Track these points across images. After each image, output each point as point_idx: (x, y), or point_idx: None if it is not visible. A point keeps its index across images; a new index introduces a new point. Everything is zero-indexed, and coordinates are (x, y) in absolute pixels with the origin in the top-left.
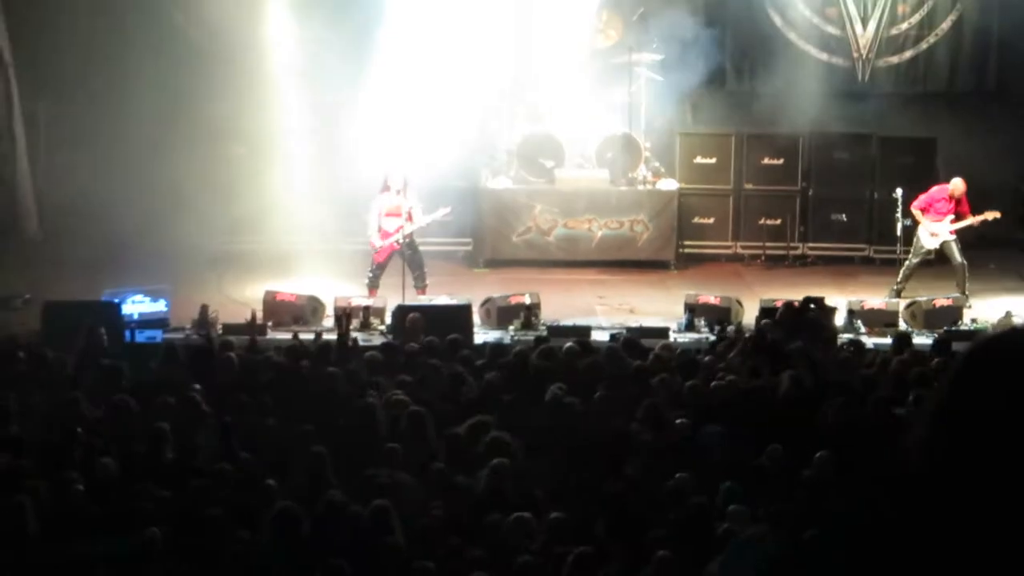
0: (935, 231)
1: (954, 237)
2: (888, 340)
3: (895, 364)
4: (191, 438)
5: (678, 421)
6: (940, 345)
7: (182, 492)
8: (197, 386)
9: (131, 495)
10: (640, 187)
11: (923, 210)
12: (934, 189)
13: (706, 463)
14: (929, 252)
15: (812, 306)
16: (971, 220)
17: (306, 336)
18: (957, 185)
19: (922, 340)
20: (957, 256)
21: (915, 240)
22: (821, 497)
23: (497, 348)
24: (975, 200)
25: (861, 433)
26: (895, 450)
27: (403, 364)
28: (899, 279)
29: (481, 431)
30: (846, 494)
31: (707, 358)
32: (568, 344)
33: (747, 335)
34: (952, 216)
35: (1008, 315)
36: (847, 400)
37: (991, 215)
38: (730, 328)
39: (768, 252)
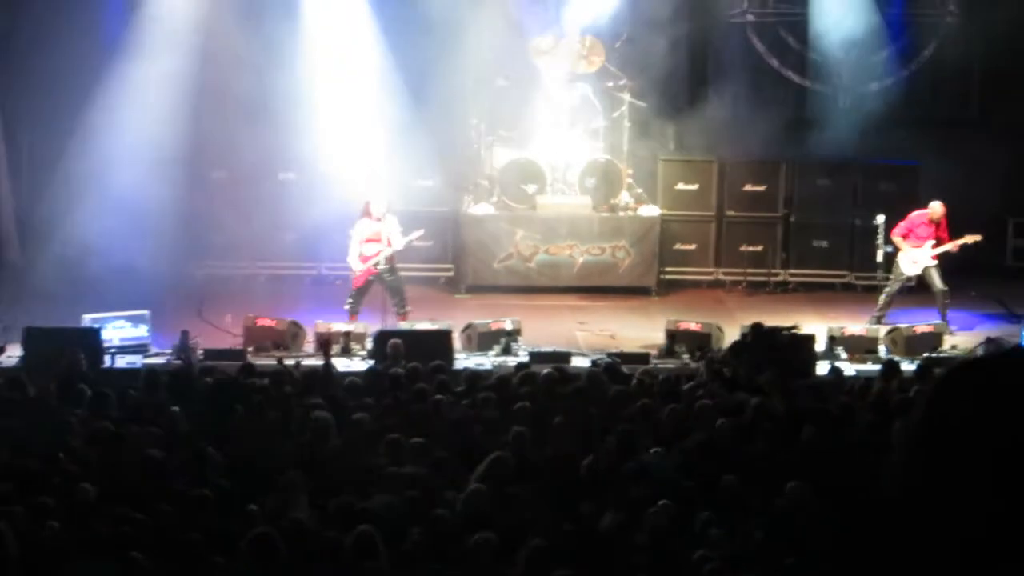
0: (916, 258)
1: (935, 263)
2: (869, 367)
3: (877, 391)
4: (170, 463)
5: (652, 450)
6: (925, 371)
7: (160, 517)
8: (175, 409)
9: (111, 520)
10: (622, 213)
11: (904, 236)
12: (913, 214)
13: (680, 490)
14: (909, 279)
15: (784, 332)
16: (951, 245)
17: (288, 362)
18: (936, 208)
19: (903, 367)
20: (938, 283)
21: (895, 266)
22: (795, 526)
23: (474, 375)
24: (959, 227)
25: (838, 460)
26: (876, 477)
27: (387, 389)
28: (880, 306)
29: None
30: (824, 522)
31: (689, 384)
32: (546, 370)
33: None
34: (933, 242)
35: (990, 340)
36: (822, 427)
37: (971, 238)
38: (710, 354)
39: (749, 278)
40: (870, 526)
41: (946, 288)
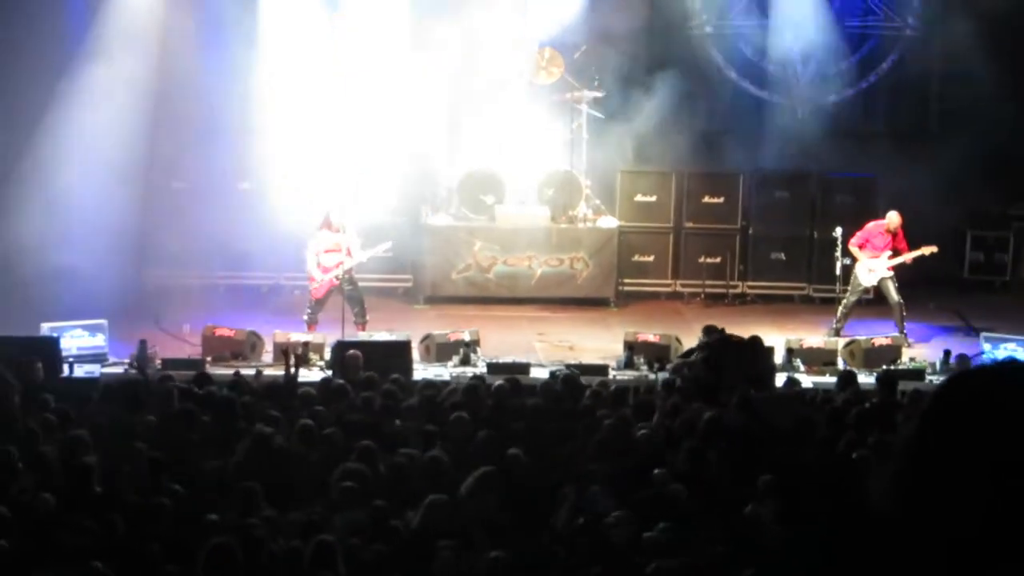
0: (872, 267)
1: (891, 274)
2: (828, 379)
3: (838, 403)
4: (124, 473)
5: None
6: (884, 384)
7: (119, 527)
8: (133, 419)
9: (71, 530)
10: (580, 225)
11: (861, 246)
12: (870, 225)
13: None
14: (867, 290)
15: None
16: (908, 256)
17: (246, 371)
18: (892, 218)
19: (861, 379)
20: (894, 295)
21: (852, 277)
22: (754, 537)
23: (429, 385)
24: (916, 240)
25: (801, 473)
26: (854, 491)
27: (343, 399)
28: (837, 317)
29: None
30: (788, 533)
31: (645, 396)
32: (498, 382)
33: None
34: (890, 252)
35: (956, 355)
36: (786, 440)
37: (928, 249)
38: (669, 366)
39: (708, 290)
40: (845, 539)
41: (902, 301)
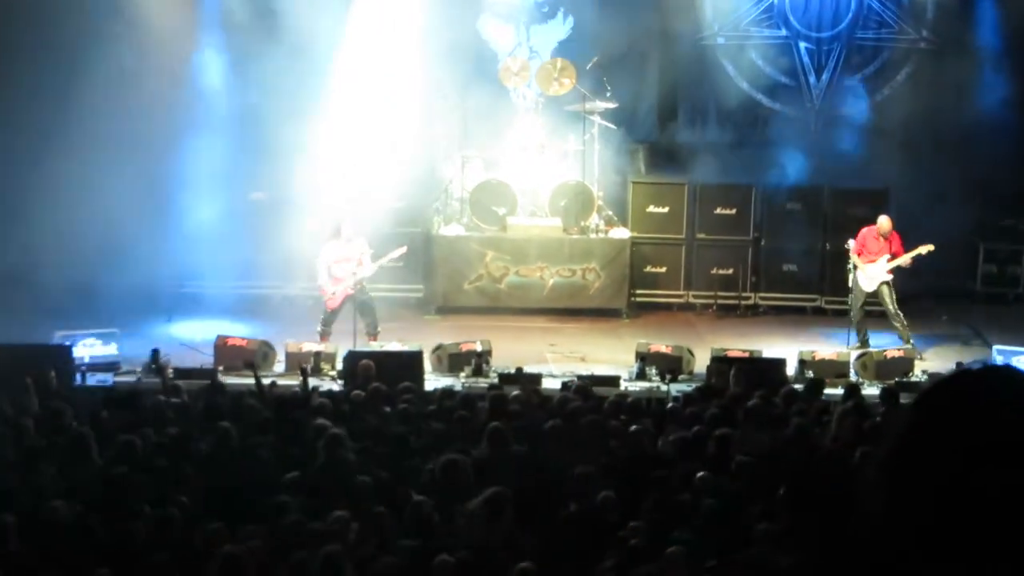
0: (872, 274)
1: (890, 278)
2: (840, 391)
3: (840, 416)
4: (140, 481)
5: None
6: (888, 397)
7: (130, 535)
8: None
9: (81, 537)
10: (592, 235)
11: (859, 253)
12: (864, 230)
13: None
14: (870, 295)
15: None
16: (905, 258)
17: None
18: (883, 224)
19: (873, 392)
20: (890, 306)
21: (855, 286)
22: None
23: (447, 394)
24: (931, 254)
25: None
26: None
27: (352, 411)
28: (856, 331)
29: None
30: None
31: (669, 405)
32: (515, 392)
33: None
34: (887, 256)
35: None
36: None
37: (925, 248)
38: (681, 376)
39: (720, 302)
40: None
41: (898, 312)
